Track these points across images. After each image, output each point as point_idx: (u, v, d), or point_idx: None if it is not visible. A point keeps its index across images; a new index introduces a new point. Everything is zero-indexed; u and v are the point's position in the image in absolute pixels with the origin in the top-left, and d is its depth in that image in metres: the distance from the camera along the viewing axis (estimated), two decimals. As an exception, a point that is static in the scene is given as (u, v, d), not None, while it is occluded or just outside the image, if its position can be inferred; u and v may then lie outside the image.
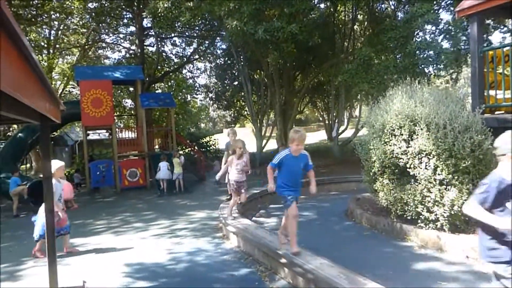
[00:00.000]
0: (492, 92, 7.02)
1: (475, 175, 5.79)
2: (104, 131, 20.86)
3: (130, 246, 6.70)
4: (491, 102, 6.80)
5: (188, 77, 27.99)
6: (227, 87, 24.67)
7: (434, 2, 13.78)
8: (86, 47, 25.50)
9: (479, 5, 6.44)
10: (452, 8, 15.45)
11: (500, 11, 7.10)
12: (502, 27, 18.30)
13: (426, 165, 5.91)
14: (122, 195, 13.13)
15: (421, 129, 5.99)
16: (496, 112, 6.86)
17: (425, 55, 13.36)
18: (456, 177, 5.72)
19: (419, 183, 6.05)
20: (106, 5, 21.43)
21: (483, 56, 6.76)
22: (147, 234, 7.77)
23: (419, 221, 6.19)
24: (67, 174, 15.99)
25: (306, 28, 13.50)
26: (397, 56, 15.00)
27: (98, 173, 14.04)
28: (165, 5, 13.81)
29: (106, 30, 24.75)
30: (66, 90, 27.18)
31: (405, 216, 6.35)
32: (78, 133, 26.45)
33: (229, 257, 6.09)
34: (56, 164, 6.29)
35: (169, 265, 5.83)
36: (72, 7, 20.59)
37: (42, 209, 6.21)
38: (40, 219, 6.23)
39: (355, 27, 20.12)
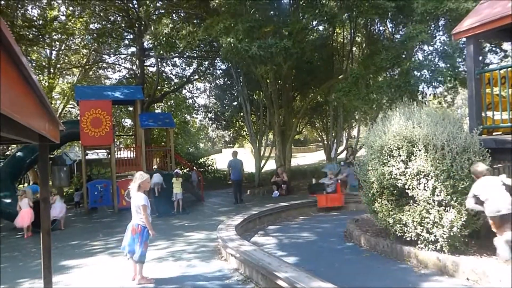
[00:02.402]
0: (489, 114, 7.06)
1: (474, 196, 5.78)
2: (103, 150, 20.88)
3: (127, 268, 6.60)
4: (489, 123, 6.84)
5: (187, 97, 28.18)
6: (226, 107, 24.81)
7: (429, 24, 13.97)
8: (87, 67, 25.74)
9: (476, 28, 6.53)
10: (446, 30, 15.74)
11: (497, 34, 7.20)
12: (498, 50, 18.53)
13: (424, 186, 5.90)
14: (119, 215, 13.05)
15: (419, 150, 6.01)
16: (494, 133, 6.89)
17: (419, 74, 13.57)
18: (454, 198, 5.71)
19: (418, 204, 6.04)
20: (107, 26, 21.71)
21: (480, 78, 6.82)
22: (147, 256, 7.68)
23: (418, 242, 6.14)
24: (66, 194, 15.93)
25: (300, 44, 13.73)
26: (392, 75, 15.26)
27: (96, 193, 13.98)
28: (165, 32, 14.01)
29: (107, 51, 25.01)
30: (66, 110, 27.30)
31: (404, 237, 6.30)
32: (77, 152, 26.47)
33: (229, 280, 6.02)
34: (143, 176, 5.99)
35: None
36: (74, 28, 20.85)
37: (129, 227, 6.00)
38: (134, 236, 5.88)
39: (354, 48, 20.37)
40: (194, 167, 20.24)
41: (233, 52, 12.89)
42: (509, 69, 6.71)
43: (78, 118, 15.52)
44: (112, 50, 24.96)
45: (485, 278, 5.11)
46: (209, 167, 25.05)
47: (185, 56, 24.62)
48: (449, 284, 5.29)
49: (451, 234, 5.67)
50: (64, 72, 25.87)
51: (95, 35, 21.86)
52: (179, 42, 14.30)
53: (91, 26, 21.86)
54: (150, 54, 22.87)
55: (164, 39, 14.05)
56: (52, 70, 23.67)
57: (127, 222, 6.13)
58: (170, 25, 14.10)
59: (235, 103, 23.79)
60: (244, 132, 26.26)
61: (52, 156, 19.08)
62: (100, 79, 27.91)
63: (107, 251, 8.32)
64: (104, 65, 26.79)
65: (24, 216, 10.35)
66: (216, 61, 23.93)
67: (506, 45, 16.58)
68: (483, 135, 6.55)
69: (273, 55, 13.06)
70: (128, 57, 25.84)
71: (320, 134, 28.14)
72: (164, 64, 25.02)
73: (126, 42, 24.30)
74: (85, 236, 10.00)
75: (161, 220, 11.89)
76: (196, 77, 26.44)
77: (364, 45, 19.36)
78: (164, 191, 13.39)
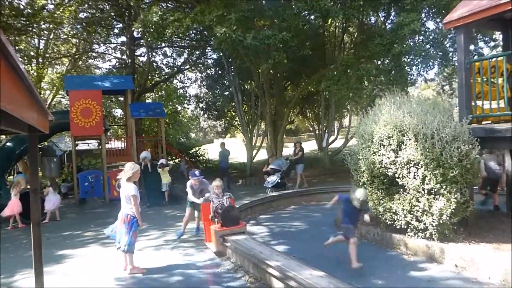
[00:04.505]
0: (479, 103, 7.12)
1: (462, 185, 5.86)
2: (94, 141, 20.72)
3: (119, 258, 6.60)
4: (478, 112, 6.89)
5: (178, 87, 27.99)
6: (218, 97, 24.71)
7: (420, 12, 14.02)
8: (76, 56, 25.41)
9: (467, 17, 6.54)
10: (436, 19, 15.83)
11: (487, 23, 7.23)
12: (488, 40, 18.66)
13: (414, 175, 5.96)
14: (111, 206, 12.99)
15: (409, 139, 6.05)
16: (483, 122, 6.95)
17: (410, 59, 13.66)
18: (444, 187, 5.77)
19: (408, 193, 6.10)
20: (96, 15, 21.41)
21: (470, 67, 6.86)
22: (137, 246, 7.69)
23: (408, 230, 6.23)
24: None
25: (298, 38, 13.62)
26: (383, 60, 15.34)
27: (86, 183, 13.88)
28: (155, 19, 13.84)
29: (97, 40, 24.70)
30: (55, 100, 27.01)
31: (394, 225, 6.38)
32: (67, 143, 26.24)
33: (220, 268, 6.06)
34: (134, 167, 5.98)
35: (162, 278, 5.78)
36: (63, 17, 20.53)
37: (119, 217, 6.04)
38: (122, 227, 5.93)
39: (345, 38, 20.35)
40: (183, 156, 20.17)
41: (227, 42, 12.75)
42: (499, 58, 6.76)
43: (68, 108, 15.36)
44: (101, 40, 24.65)
45: (473, 265, 5.20)
46: (201, 157, 25.00)
47: (175, 45, 24.41)
48: (437, 271, 5.39)
49: (440, 222, 5.74)
50: (53, 62, 25.51)
51: (84, 24, 21.54)
52: (167, 29, 14.12)
53: (80, 15, 21.52)
54: (141, 43, 22.64)
55: (153, 26, 13.87)
56: (40, 60, 23.34)
57: (118, 212, 6.13)
58: (160, 13, 13.91)
59: (226, 93, 23.71)
60: (236, 122, 26.21)
61: (41, 146, 18.92)
62: (90, 68, 27.59)
63: (99, 241, 8.32)
64: (94, 54, 26.46)
65: (11, 206, 10.29)
66: (207, 50, 23.77)
67: (497, 35, 16.70)
68: (472, 124, 6.61)
69: (270, 47, 12.93)
70: (118, 47, 25.55)
71: (312, 123, 28.24)
72: (154, 53, 24.79)
73: (116, 31, 24.01)
74: (77, 227, 9.97)
75: (152, 211, 11.89)
76: (187, 67, 26.25)
77: (356, 34, 19.35)
78: (154, 181, 13.35)
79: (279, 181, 12.82)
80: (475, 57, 12.54)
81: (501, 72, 6.65)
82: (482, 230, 6.32)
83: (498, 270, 4.89)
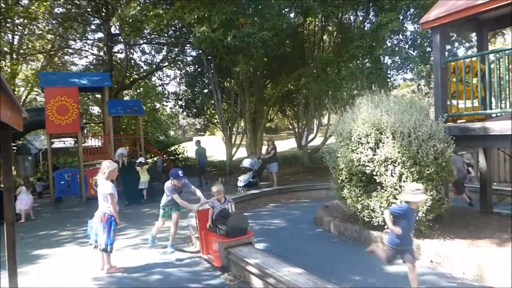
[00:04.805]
0: (454, 102, 7.26)
1: (438, 182, 5.98)
2: (70, 139, 20.35)
3: (96, 258, 6.50)
4: (453, 111, 7.03)
5: (157, 84, 27.72)
6: (197, 95, 24.54)
7: (398, 12, 14.20)
8: (52, 53, 24.87)
9: (443, 18, 6.66)
10: (416, 19, 16.07)
11: (463, 24, 7.37)
12: (464, 41, 19.05)
13: (391, 173, 6.05)
14: (87, 204, 12.79)
15: (387, 137, 6.14)
16: (458, 121, 7.10)
17: (391, 61, 13.84)
18: (420, 184, 5.86)
19: (385, 190, 6.19)
20: (73, 10, 20.99)
21: (446, 67, 6.99)
22: (115, 245, 7.59)
23: (385, 227, 6.31)
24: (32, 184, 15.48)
25: (278, 37, 13.62)
26: (364, 63, 15.49)
27: (62, 182, 13.63)
28: (133, 13, 13.64)
29: (73, 36, 24.22)
30: (30, 97, 26.40)
31: (372, 222, 6.46)
32: (43, 141, 25.70)
33: (200, 267, 6.04)
34: (111, 166, 5.92)
35: (141, 277, 5.73)
36: (38, 12, 20.06)
37: (96, 216, 5.95)
38: (99, 226, 5.85)
39: (325, 37, 20.48)
40: (160, 153, 19.99)
41: (207, 42, 12.67)
42: (473, 59, 6.91)
43: (43, 105, 15.04)
44: (78, 36, 24.17)
45: (448, 260, 5.32)
46: (180, 155, 24.81)
47: (154, 42, 24.14)
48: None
49: (417, 218, 5.84)
50: (27, 58, 24.92)
51: (60, 19, 21.09)
52: (147, 24, 13.92)
53: (55, 10, 21.07)
54: (118, 40, 22.32)
55: (131, 21, 13.67)
56: (14, 56, 22.77)
57: (95, 211, 6.04)
58: (138, 8, 13.71)
59: (206, 91, 23.55)
60: (215, 120, 26.10)
61: (15, 144, 18.48)
62: (66, 65, 27.05)
63: (76, 241, 8.18)
64: (70, 51, 25.95)
65: None
66: (186, 48, 23.59)
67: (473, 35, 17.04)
68: (448, 123, 6.74)
69: (250, 46, 12.87)
70: (95, 43, 25.13)
71: (291, 122, 28.34)
72: (132, 50, 24.47)
73: (93, 27, 23.58)
74: (53, 226, 9.78)
75: (130, 209, 11.76)
76: (166, 64, 26.01)
77: (335, 33, 19.51)
78: (132, 180, 13.20)
79: (251, 180, 12.77)
80: (451, 57, 12.83)
81: (475, 72, 6.81)
82: (457, 227, 6.46)
83: (471, 265, 5.02)
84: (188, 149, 25.45)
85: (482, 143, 6.77)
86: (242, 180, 12.83)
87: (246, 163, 13.40)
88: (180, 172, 6.61)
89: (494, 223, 6.68)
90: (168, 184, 6.66)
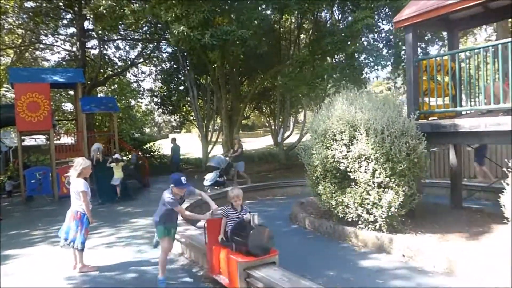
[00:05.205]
0: (426, 99, 7.42)
1: (410, 178, 6.11)
2: (42, 136, 19.87)
3: (68, 257, 6.38)
4: (425, 108, 7.19)
5: (132, 81, 27.32)
6: (173, 92, 24.32)
7: (373, 11, 14.41)
8: (22, 48, 24.17)
9: (415, 17, 6.79)
10: (390, 19, 16.34)
11: (435, 23, 7.53)
12: (437, 40, 19.47)
13: (365, 169, 6.14)
14: (60, 203, 12.52)
15: (361, 134, 6.23)
16: (430, 118, 7.26)
17: (363, 58, 14.04)
18: (393, 180, 5.99)
19: (359, 186, 6.28)
20: (44, 4, 20.45)
21: (418, 65, 7.14)
22: (89, 244, 7.46)
23: (359, 222, 6.42)
24: (0, 183, 15.08)
25: (256, 35, 13.63)
26: (337, 59, 15.66)
27: (34, 180, 13.30)
28: (108, 3, 13.35)
29: (44, 31, 23.58)
30: (-1, 93, 25.63)
31: (346, 218, 6.55)
32: (13, 138, 24.99)
33: (174, 265, 6.00)
34: (84, 163, 5.79)
35: (116, 275, 5.65)
36: (7, 6, 19.47)
37: (68, 214, 5.81)
38: (72, 224, 5.71)
39: (301, 35, 20.60)
40: (134, 149, 19.72)
41: (185, 40, 12.55)
42: (444, 57, 7.07)
43: (13, 102, 14.64)
44: (49, 31, 23.55)
45: (419, 254, 5.44)
46: (155, 153, 24.55)
47: (128, 38, 23.77)
48: (386, 261, 5.59)
49: (389, 214, 5.96)
50: (-4, 53, 24.17)
51: (30, 14, 20.53)
52: (125, 18, 13.69)
53: (26, 4, 20.48)
54: (92, 35, 21.89)
55: (105, 12, 13.41)
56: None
57: (68, 210, 5.92)
58: (113, 1, 13.46)
59: (182, 88, 23.37)
60: (191, 117, 25.93)
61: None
62: (37, 61, 26.33)
63: (48, 240, 8.00)
64: (42, 46, 25.26)
65: None
66: (162, 44, 23.32)
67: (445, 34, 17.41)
68: (420, 119, 6.89)
69: (227, 44, 12.79)
70: (68, 38, 24.54)
71: (268, 119, 28.42)
72: (106, 46, 24.03)
73: (65, 22, 23.02)
74: (24, 225, 9.53)
75: (104, 207, 11.59)
76: (141, 60, 25.65)
77: (311, 31, 19.65)
78: (106, 178, 13.00)
79: (218, 179, 12.70)
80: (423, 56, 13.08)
81: (446, 71, 6.97)
82: (428, 221, 6.61)
83: (442, 259, 5.14)
84: (164, 147, 25.22)
85: (453, 139, 6.94)
86: (208, 179, 12.68)
87: (213, 161, 13.27)
88: (183, 179, 5.15)
89: (463, 218, 6.86)
90: (167, 195, 5.06)
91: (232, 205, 5.01)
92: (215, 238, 5.02)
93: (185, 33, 12.04)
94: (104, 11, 13.45)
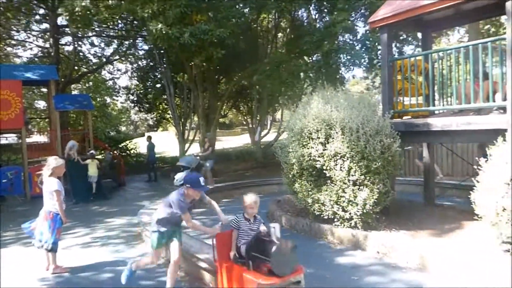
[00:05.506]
0: (400, 99, 7.57)
1: (384, 176, 6.22)
2: (13, 134, 19.37)
3: (41, 258, 6.23)
4: (399, 107, 7.33)
5: (107, 78, 26.90)
6: (149, 90, 24.04)
7: (350, 13, 14.56)
8: (-8, 44, 23.51)
9: (389, 18, 6.91)
10: (367, 19, 16.54)
11: (409, 24, 7.67)
12: (413, 40, 19.81)
13: (341, 167, 6.22)
14: (32, 203, 12.22)
15: (337, 132, 6.30)
16: (404, 117, 7.40)
17: (338, 57, 14.20)
18: (368, 178, 6.09)
19: (335, 184, 6.35)
20: (15, -1, 19.92)
21: (392, 65, 7.26)
22: (63, 244, 7.31)
23: (335, 220, 6.49)
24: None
25: (233, 34, 13.59)
26: (313, 58, 15.79)
27: (5, 180, 12.96)
28: (83, 3, 13.11)
29: (16, 27, 22.97)
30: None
31: (322, 216, 6.62)
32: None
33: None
34: (57, 162, 5.64)
35: (92, 276, 5.56)
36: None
37: (41, 214, 5.65)
38: (44, 224, 5.57)
39: (279, 34, 20.66)
40: (109, 148, 19.42)
41: (163, 39, 12.39)
42: (418, 58, 7.22)
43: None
44: (21, 26, 22.96)
45: (393, 251, 5.54)
46: (131, 151, 24.25)
47: (104, 35, 23.37)
48: (361, 258, 5.68)
49: (364, 211, 6.05)
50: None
51: (1, 9, 19.96)
52: (100, 13, 13.43)
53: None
54: (66, 31, 21.44)
55: (80, 12, 13.13)
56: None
57: (40, 210, 5.79)
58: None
59: (158, 85, 23.12)
60: (168, 115, 25.70)
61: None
62: (9, 57, 25.61)
63: (19, 241, 7.80)
64: (13, 42, 24.61)
65: None
66: (138, 41, 23.02)
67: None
68: (394, 118, 7.01)
69: (205, 44, 12.68)
70: (41, 34, 23.96)
71: (245, 117, 28.40)
72: (81, 43, 23.57)
73: (38, 17, 22.47)
74: (-7, 227, 9.28)
75: (79, 207, 11.39)
76: (117, 57, 25.26)
77: (288, 30, 19.72)
78: (80, 177, 12.77)
79: None
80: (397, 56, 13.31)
81: (420, 71, 7.12)
82: (402, 219, 6.74)
83: (414, 255, 5.26)
84: (140, 145, 24.94)
85: (426, 138, 7.10)
86: (178, 179, 12.54)
87: (183, 161, 13.11)
88: (202, 179, 4.37)
89: (436, 215, 7.03)
90: (177, 197, 4.32)
91: (244, 215, 4.30)
92: (226, 254, 4.25)
93: (163, 31, 11.90)
94: (80, 12, 13.15)
